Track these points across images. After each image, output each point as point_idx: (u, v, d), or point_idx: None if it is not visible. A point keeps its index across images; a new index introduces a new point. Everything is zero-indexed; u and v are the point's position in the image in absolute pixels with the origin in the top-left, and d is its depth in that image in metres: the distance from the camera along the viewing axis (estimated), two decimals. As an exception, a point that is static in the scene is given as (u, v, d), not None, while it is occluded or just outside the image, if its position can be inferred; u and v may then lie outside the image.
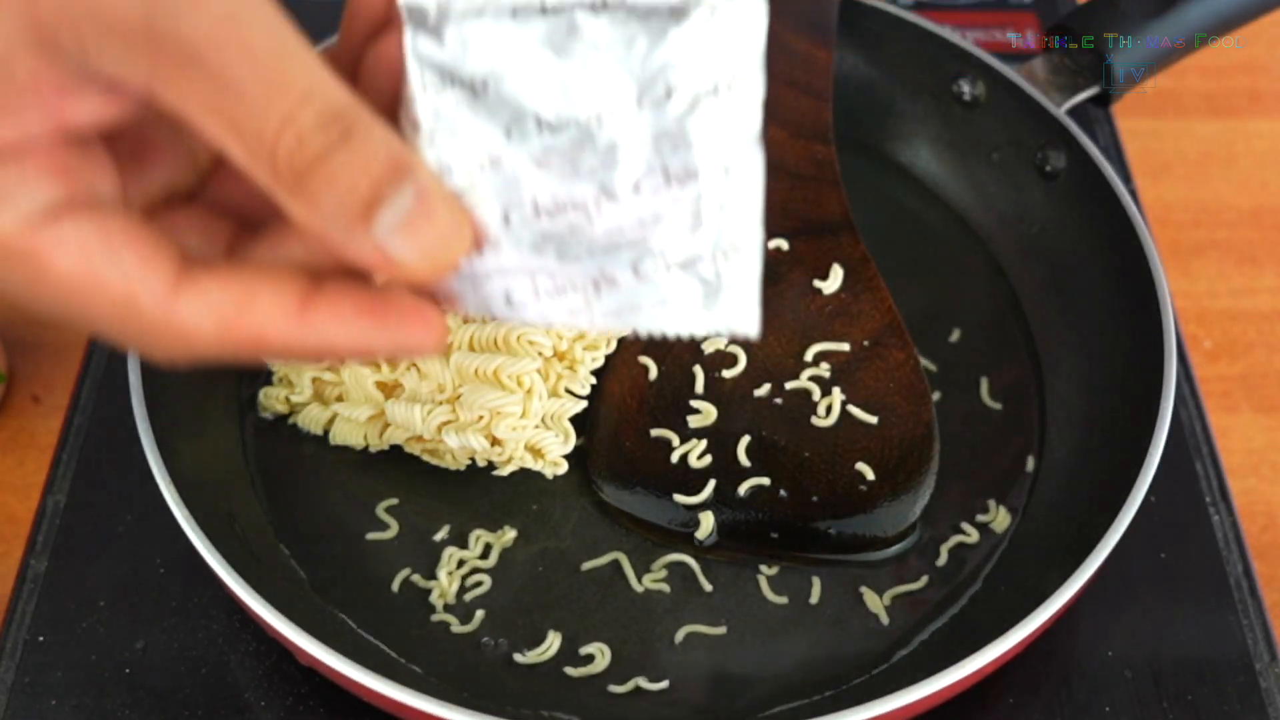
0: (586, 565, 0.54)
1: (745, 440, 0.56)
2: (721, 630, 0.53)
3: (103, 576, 0.55)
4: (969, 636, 0.48)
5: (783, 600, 0.53)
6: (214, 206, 0.35)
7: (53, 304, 0.31)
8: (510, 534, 0.55)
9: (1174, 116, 0.78)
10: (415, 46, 0.31)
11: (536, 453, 0.56)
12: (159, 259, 0.31)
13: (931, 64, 0.67)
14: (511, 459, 0.55)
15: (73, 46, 0.29)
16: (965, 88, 0.66)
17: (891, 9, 0.68)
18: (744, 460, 0.56)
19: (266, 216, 0.34)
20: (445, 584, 0.53)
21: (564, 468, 0.56)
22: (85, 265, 0.31)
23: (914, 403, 0.57)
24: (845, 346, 0.59)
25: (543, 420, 0.56)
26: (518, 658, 0.52)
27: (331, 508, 0.56)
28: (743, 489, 0.55)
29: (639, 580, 0.54)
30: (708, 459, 0.56)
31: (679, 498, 0.55)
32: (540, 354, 0.54)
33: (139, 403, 0.51)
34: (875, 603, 0.53)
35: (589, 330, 0.32)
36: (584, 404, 0.57)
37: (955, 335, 0.62)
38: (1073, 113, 0.63)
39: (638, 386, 0.58)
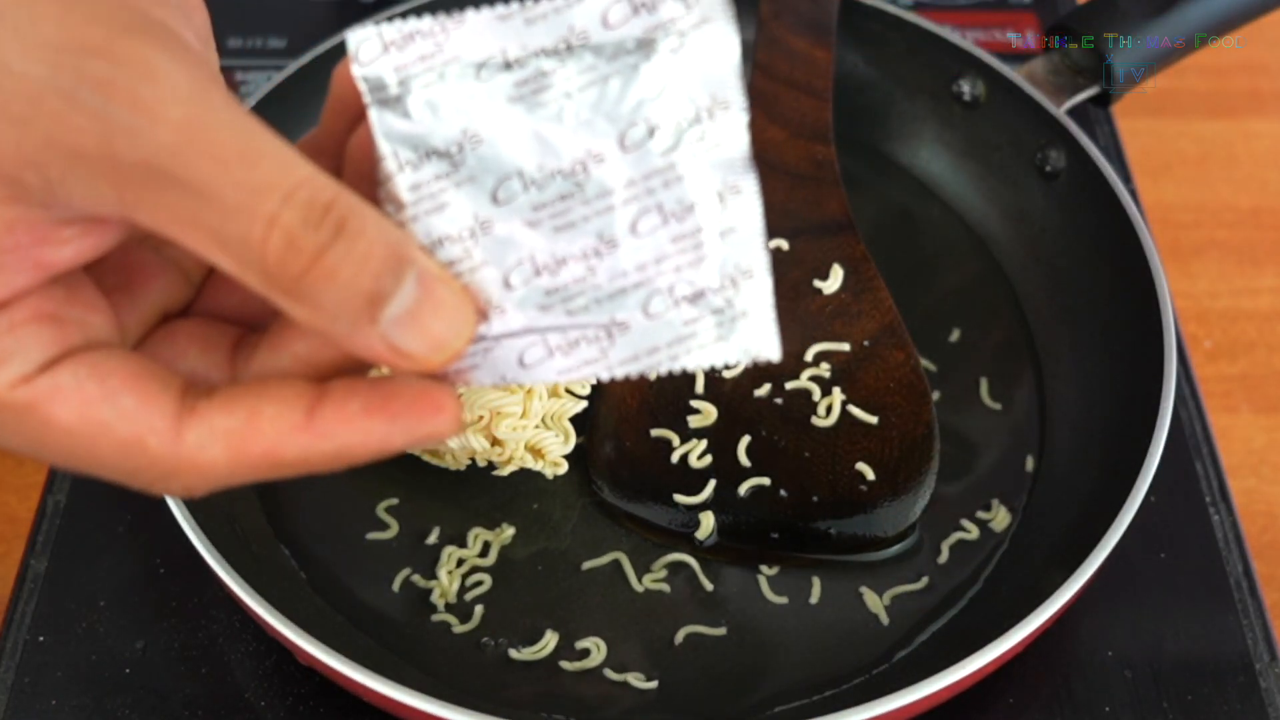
0: (586, 565, 0.54)
1: (745, 440, 0.56)
2: (721, 630, 0.53)
3: (103, 576, 0.55)
4: (969, 636, 0.48)
5: (783, 600, 0.53)
6: (212, 314, 0.34)
7: (58, 455, 0.31)
8: (510, 533, 0.55)
9: (1174, 116, 0.78)
10: (383, 122, 0.30)
11: (537, 453, 0.56)
12: (160, 395, 0.30)
13: (931, 64, 0.67)
14: (512, 459, 0.55)
15: (38, 186, 0.28)
16: (965, 88, 0.66)
17: (891, 9, 0.68)
18: (744, 460, 0.56)
19: (267, 317, 0.33)
20: (445, 584, 0.53)
21: (564, 468, 0.56)
22: (85, 414, 0.30)
23: (914, 403, 0.57)
24: (845, 346, 0.59)
25: (543, 420, 0.56)
26: (515, 654, 0.52)
27: (331, 508, 0.56)
28: (743, 489, 0.55)
29: (639, 580, 0.54)
30: (708, 459, 0.56)
31: (679, 498, 0.55)
32: None
33: (139, 403, 0.51)
34: (875, 603, 0.53)
35: (608, 379, 0.32)
36: (584, 404, 0.57)
37: (955, 335, 0.62)
38: (1073, 113, 0.63)
39: (638, 386, 0.58)
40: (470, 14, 0.30)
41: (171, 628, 0.53)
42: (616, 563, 0.54)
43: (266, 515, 0.55)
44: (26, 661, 0.52)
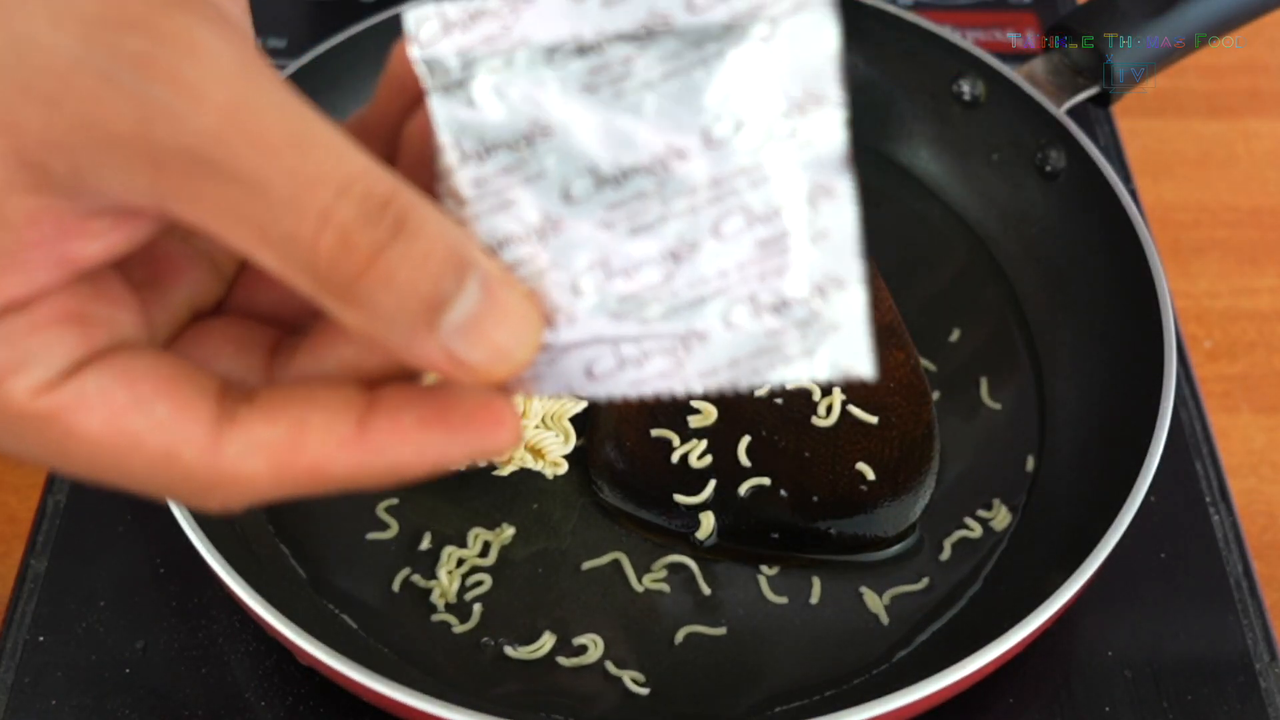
0: (586, 565, 0.54)
1: (745, 440, 0.56)
2: (721, 630, 0.53)
3: (103, 576, 0.55)
4: (969, 636, 0.48)
5: (783, 600, 0.53)
6: (246, 313, 0.31)
7: (84, 467, 0.28)
8: (510, 533, 0.55)
9: (1174, 116, 0.78)
10: (444, 110, 0.28)
11: (537, 453, 0.56)
12: (196, 402, 0.28)
13: (931, 64, 0.67)
14: (512, 459, 0.55)
15: (66, 173, 0.25)
16: (965, 88, 0.66)
17: (891, 9, 0.68)
18: (744, 460, 0.56)
19: (305, 316, 0.31)
20: (445, 583, 0.53)
21: (564, 468, 0.56)
22: (114, 423, 0.27)
23: (914, 402, 0.57)
24: None
25: (543, 420, 0.56)
26: (514, 654, 0.52)
27: (331, 508, 0.56)
28: (743, 489, 0.55)
29: (639, 580, 0.54)
30: (708, 459, 0.56)
31: (679, 498, 0.55)
32: None
33: (139, 403, 0.51)
34: (875, 603, 0.53)
35: (683, 394, 0.29)
36: (584, 404, 0.57)
37: (955, 335, 0.62)
38: (1073, 113, 0.63)
39: None
40: None
41: (171, 628, 0.53)
42: (616, 563, 0.54)
43: (267, 515, 0.55)
44: (26, 661, 0.52)
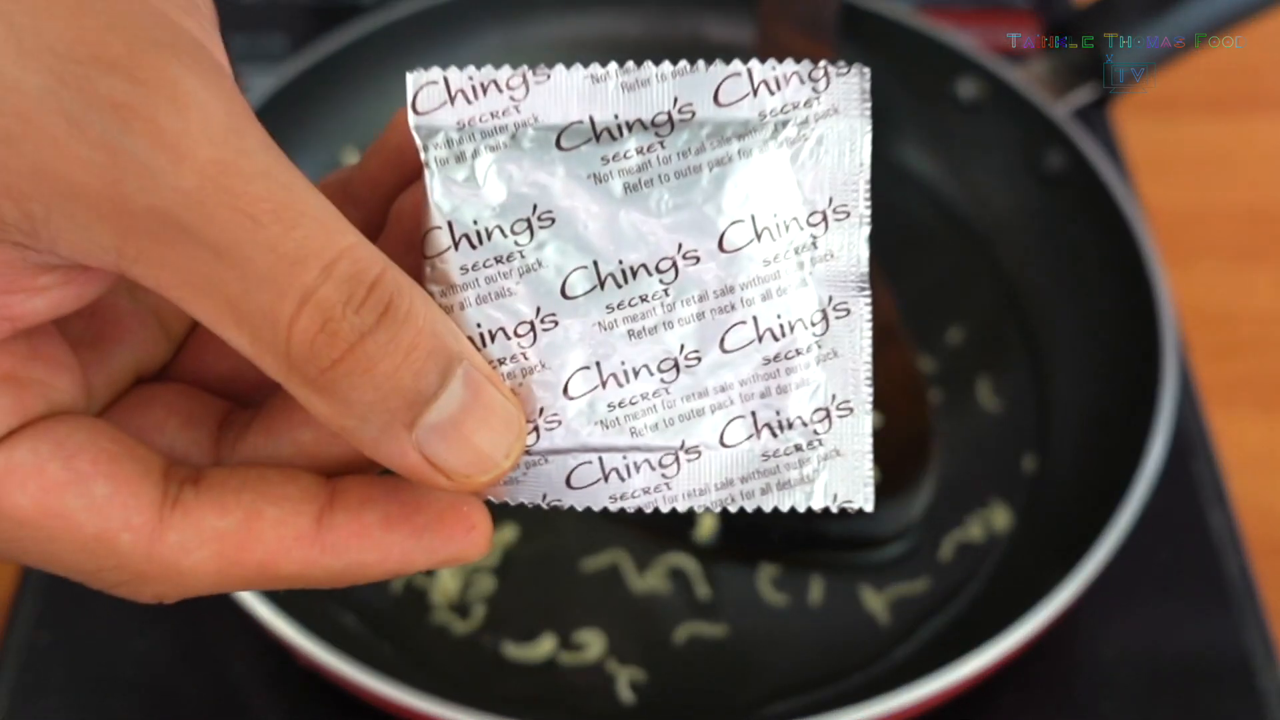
0: (587, 565, 0.54)
1: None
2: (721, 630, 0.53)
3: (103, 576, 0.55)
4: (969, 636, 0.48)
5: (783, 600, 0.53)
6: (194, 380, 0.29)
7: (8, 547, 0.25)
8: (511, 532, 0.55)
9: (1174, 116, 0.78)
10: (440, 186, 0.26)
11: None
12: (138, 482, 0.25)
13: (931, 65, 0.67)
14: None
15: (17, 224, 0.22)
16: (965, 89, 0.66)
17: (891, 10, 0.68)
18: None
19: (259, 390, 0.28)
20: (446, 583, 0.53)
21: None
22: (46, 501, 0.24)
23: (914, 403, 0.57)
24: None
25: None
26: (515, 654, 0.52)
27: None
28: None
29: (639, 580, 0.54)
30: None
31: None
32: None
33: (139, 403, 0.51)
34: (875, 602, 0.53)
35: (666, 511, 0.27)
36: None
37: (955, 335, 0.62)
38: (1073, 113, 0.63)
39: None
40: (558, 71, 0.26)
41: (171, 628, 0.53)
42: (616, 563, 0.54)
43: (267, 515, 0.55)
44: (27, 661, 0.52)
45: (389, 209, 0.28)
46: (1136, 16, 0.63)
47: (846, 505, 0.27)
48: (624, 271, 0.26)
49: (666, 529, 0.55)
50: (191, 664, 0.52)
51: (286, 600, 0.48)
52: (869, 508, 0.27)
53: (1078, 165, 0.62)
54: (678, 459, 0.27)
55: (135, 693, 0.52)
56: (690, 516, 0.55)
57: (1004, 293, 0.64)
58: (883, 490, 0.55)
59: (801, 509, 0.27)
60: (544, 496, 0.27)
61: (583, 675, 0.51)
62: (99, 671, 0.52)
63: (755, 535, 0.55)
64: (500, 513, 0.56)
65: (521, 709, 0.50)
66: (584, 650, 0.52)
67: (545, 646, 0.52)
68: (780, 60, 0.26)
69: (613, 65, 0.26)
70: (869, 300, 0.26)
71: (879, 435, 0.56)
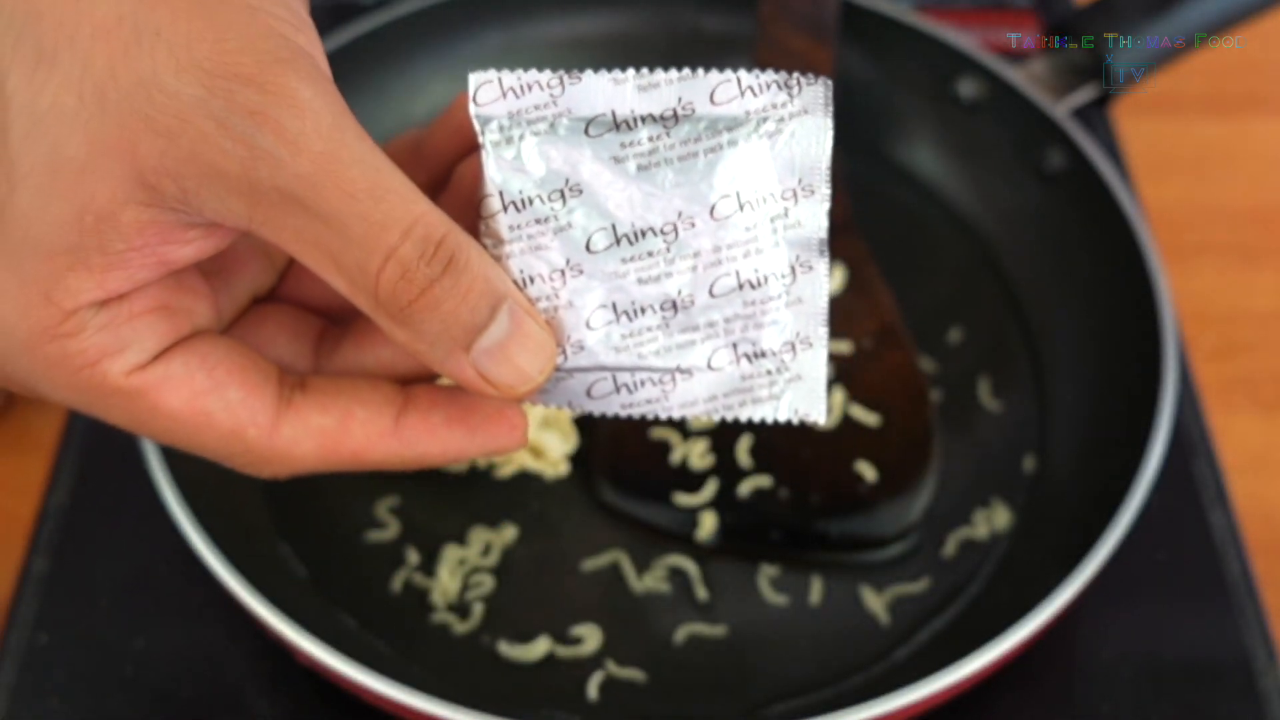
0: (587, 565, 0.54)
1: (746, 440, 0.56)
2: (721, 630, 0.53)
3: (103, 576, 0.55)
4: (969, 636, 0.48)
5: (783, 600, 0.53)
6: (295, 301, 0.37)
7: (162, 435, 0.33)
8: (511, 532, 0.55)
9: (1174, 116, 0.78)
10: (493, 162, 0.32)
11: (537, 453, 0.56)
12: (262, 389, 0.33)
13: (931, 65, 0.67)
14: (512, 459, 0.55)
15: (174, 195, 0.30)
16: (965, 88, 0.66)
17: (891, 10, 0.68)
18: (745, 460, 0.56)
19: (347, 310, 0.35)
20: (446, 583, 0.53)
21: (565, 468, 0.56)
22: (193, 403, 0.32)
23: (914, 403, 0.57)
24: (846, 346, 0.59)
25: (544, 420, 0.56)
26: (514, 653, 0.52)
27: (331, 508, 0.56)
28: (743, 489, 0.55)
29: (639, 580, 0.54)
30: (709, 459, 0.56)
31: (680, 498, 0.55)
32: None
33: (139, 403, 0.51)
34: (875, 603, 0.53)
35: (664, 419, 0.35)
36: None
37: (955, 335, 0.62)
38: (1073, 113, 0.63)
39: None
40: (588, 74, 0.32)
41: (171, 628, 0.53)
42: (616, 563, 0.54)
43: (267, 515, 0.55)
44: (27, 661, 0.52)
45: (450, 170, 0.36)
46: (1136, 16, 0.63)
47: (804, 419, 0.34)
48: (636, 232, 0.32)
49: (666, 529, 0.55)
50: (191, 664, 0.52)
51: (286, 600, 0.48)
52: (823, 421, 0.34)
53: (1078, 165, 0.62)
54: (674, 378, 0.34)
55: (135, 693, 0.52)
56: (690, 518, 0.55)
57: (1004, 293, 0.64)
58: (883, 491, 0.55)
59: (770, 420, 0.34)
60: (569, 403, 0.34)
61: (582, 676, 0.51)
62: (99, 671, 0.52)
63: (755, 535, 0.55)
64: (501, 513, 0.56)
65: (521, 709, 0.50)
66: (583, 650, 0.52)
67: (545, 647, 0.52)
68: (779, 62, 0.33)
69: (630, 70, 0.32)
70: (828, 259, 0.33)
71: (880, 436, 0.56)
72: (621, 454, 0.56)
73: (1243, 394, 0.64)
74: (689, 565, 0.54)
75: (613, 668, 0.52)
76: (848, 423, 0.57)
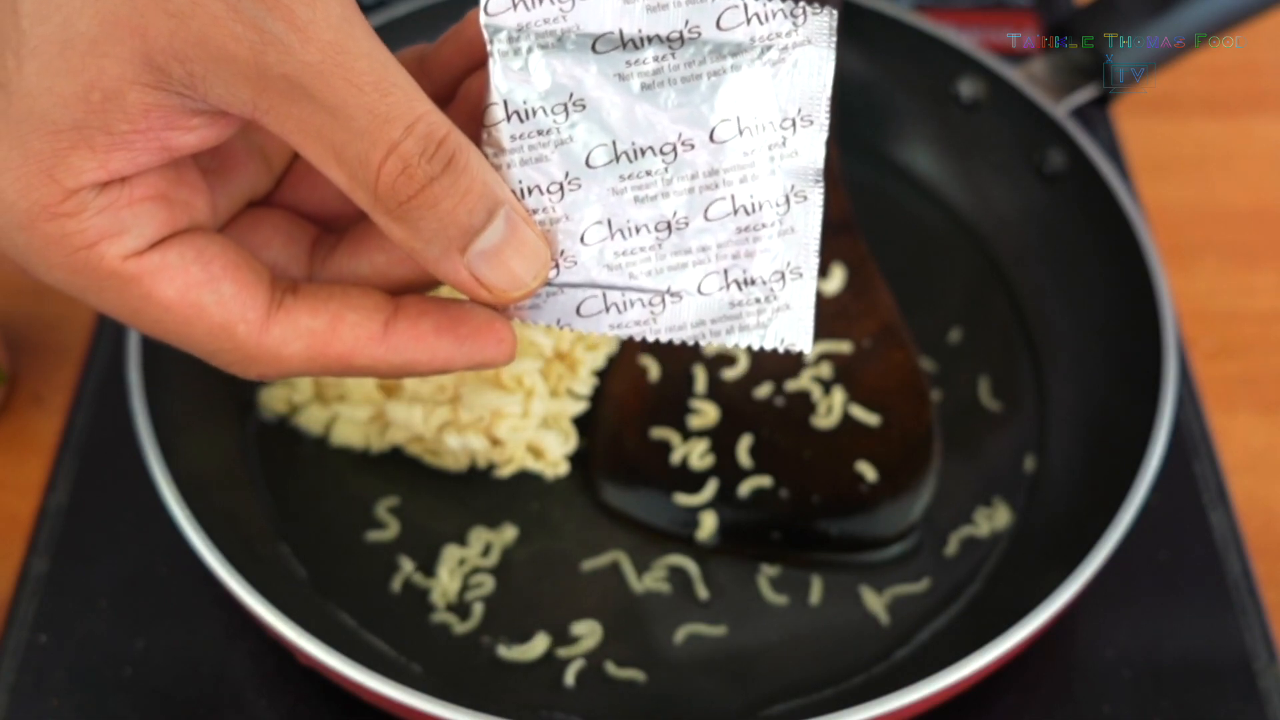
0: (587, 565, 0.54)
1: (747, 440, 0.56)
2: (721, 630, 0.53)
3: (103, 576, 0.55)
4: (969, 636, 0.48)
5: (783, 600, 0.53)
6: (291, 207, 0.37)
7: (153, 326, 0.33)
8: (511, 532, 0.55)
9: (1174, 116, 0.77)
10: (500, 72, 0.32)
11: (537, 453, 0.56)
12: (254, 285, 0.33)
13: (931, 65, 0.67)
14: (512, 459, 0.55)
15: (181, 78, 0.30)
16: (965, 88, 0.66)
17: (891, 10, 0.68)
18: (745, 461, 0.56)
19: (343, 218, 0.36)
20: (446, 583, 0.53)
21: (565, 468, 0.56)
22: (187, 294, 0.32)
23: (914, 403, 0.57)
24: (846, 347, 0.59)
25: (544, 421, 0.56)
26: (515, 655, 0.52)
27: (331, 508, 0.56)
28: (744, 489, 0.55)
29: (639, 580, 0.54)
30: (709, 459, 0.56)
31: (680, 498, 0.55)
32: (541, 354, 0.54)
33: (139, 403, 0.51)
34: (875, 603, 0.53)
35: (651, 340, 0.35)
36: (586, 404, 0.57)
37: (955, 335, 0.62)
38: (1073, 113, 0.63)
39: (639, 387, 0.58)
40: None
41: (171, 628, 0.53)
42: (616, 563, 0.54)
43: (267, 514, 0.55)
44: (26, 661, 0.52)
45: (455, 85, 0.36)
46: (1136, 16, 0.63)
47: (790, 348, 0.34)
48: (635, 150, 0.33)
49: (666, 530, 0.55)
50: (191, 664, 0.52)
51: (286, 600, 0.48)
52: (808, 350, 0.35)
53: (1078, 165, 0.62)
54: (664, 300, 0.34)
55: (135, 693, 0.52)
56: (691, 518, 0.55)
57: (1004, 293, 0.64)
58: (883, 491, 0.55)
59: (755, 347, 0.34)
60: (559, 321, 0.34)
61: (582, 676, 0.51)
62: (99, 671, 0.52)
63: (755, 536, 0.55)
64: (501, 513, 0.56)
65: (521, 709, 0.50)
66: (584, 650, 0.52)
67: (545, 647, 0.52)
68: None
69: None
70: (823, 190, 0.33)
71: (880, 436, 0.56)
72: (622, 455, 0.56)
73: (1243, 394, 0.64)
74: (689, 565, 0.54)
75: (612, 668, 0.52)
76: (849, 423, 0.57)
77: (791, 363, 0.59)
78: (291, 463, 0.57)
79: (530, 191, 0.33)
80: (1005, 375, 0.61)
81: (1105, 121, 0.74)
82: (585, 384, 0.57)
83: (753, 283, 0.34)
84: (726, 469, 0.56)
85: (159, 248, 0.32)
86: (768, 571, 0.54)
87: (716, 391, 0.58)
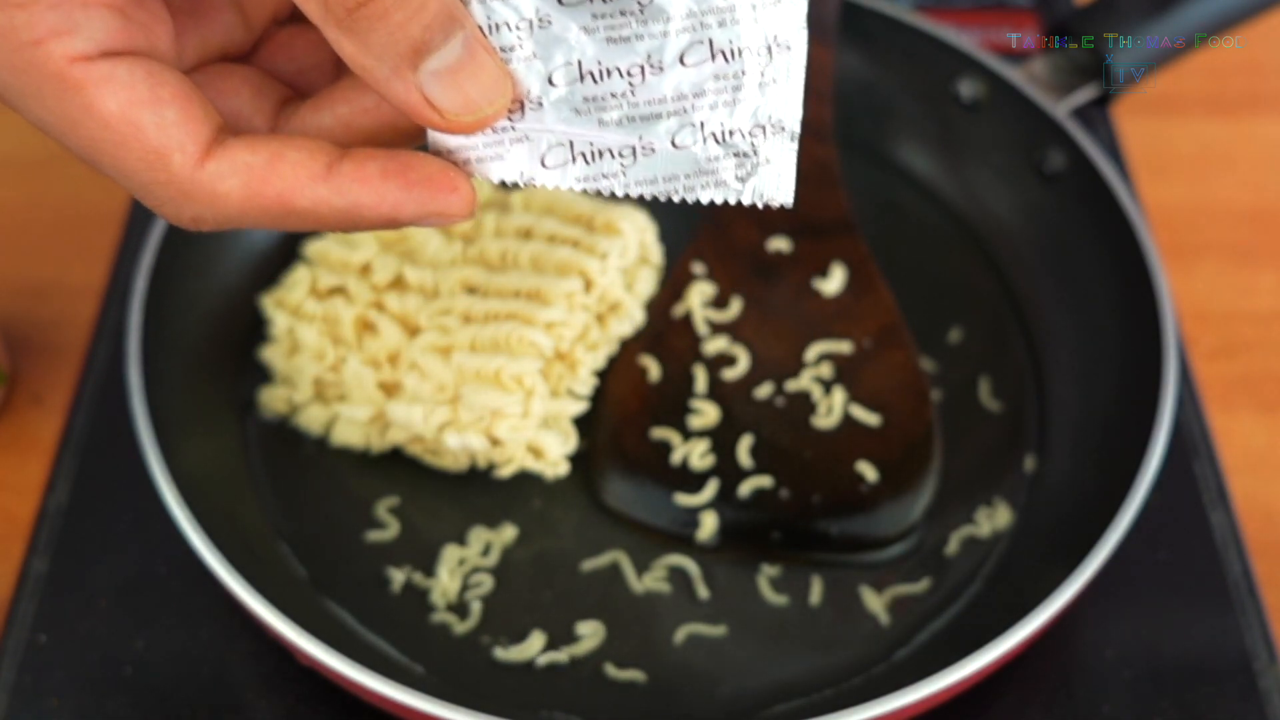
0: (587, 565, 0.54)
1: (747, 440, 0.56)
2: (721, 630, 0.53)
3: (103, 576, 0.55)
4: (969, 636, 0.48)
5: (783, 600, 0.53)
6: (268, 70, 0.36)
7: (86, 145, 0.31)
8: (511, 532, 0.55)
9: (1174, 116, 0.78)
10: None
11: (537, 453, 0.56)
12: (200, 120, 0.32)
13: (931, 65, 0.67)
14: (512, 459, 0.55)
15: None
16: (965, 89, 0.66)
17: (891, 10, 0.68)
18: (745, 461, 0.56)
19: (317, 84, 0.35)
20: (446, 583, 0.53)
21: (565, 468, 0.56)
22: (128, 110, 0.31)
23: (915, 402, 0.57)
24: (847, 347, 0.59)
25: (544, 421, 0.56)
26: (513, 655, 0.52)
27: (331, 508, 0.56)
28: (744, 489, 0.55)
29: (639, 580, 0.54)
30: (710, 459, 0.56)
31: (680, 498, 0.55)
32: (541, 354, 0.54)
33: (139, 403, 0.51)
34: (875, 603, 0.53)
35: (620, 195, 0.33)
36: (585, 404, 0.57)
37: (955, 335, 0.62)
38: (1073, 113, 0.63)
39: (639, 387, 0.58)
40: None
41: (171, 628, 0.53)
42: (616, 563, 0.54)
43: (266, 515, 0.55)
44: (26, 661, 0.52)
45: None
46: (1136, 16, 0.63)
47: (769, 202, 0.33)
48: None
49: (667, 530, 0.55)
50: (191, 664, 0.52)
51: (286, 600, 0.48)
52: (789, 203, 0.33)
53: (1078, 165, 0.62)
54: (635, 152, 0.32)
55: (135, 693, 0.52)
56: (691, 519, 0.55)
57: (1004, 293, 0.64)
58: (884, 491, 0.55)
59: (732, 202, 0.33)
60: (521, 174, 0.33)
61: (582, 676, 0.51)
62: (99, 671, 0.52)
63: (756, 536, 0.55)
64: (501, 513, 0.56)
65: (521, 709, 0.50)
66: (583, 651, 0.52)
67: (544, 647, 0.52)
68: None
69: None
70: (806, 39, 0.31)
71: (881, 436, 0.56)
72: (622, 455, 0.56)
73: (1243, 394, 0.64)
74: (689, 565, 0.54)
75: (612, 669, 0.52)
76: (849, 423, 0.57)
77: (792, 363, 0.59)
78: (291, 463, 0.57)
79: (498, 28, 0.31)
80: (1005, 375, 0.61)
81: (1105, 121, 0.74)
82: (585, 384, 0.57)
83: (731, 136, 0.32)
84: (727, 469, 0.56)
85: (109, 58, 0.31)
86: (768, 571, 0.54)
87: (717, 392, 0.58)
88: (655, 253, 0.60)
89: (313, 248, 0.58)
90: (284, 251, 0.62)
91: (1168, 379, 0.53)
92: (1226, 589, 0.56)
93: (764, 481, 0.55)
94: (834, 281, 0.61)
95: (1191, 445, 0.60)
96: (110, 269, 0.66)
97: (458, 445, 0.54)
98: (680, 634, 0.52)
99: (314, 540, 0.55)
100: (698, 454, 0.56)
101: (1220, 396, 0.64)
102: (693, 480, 0.56)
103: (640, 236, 0.58)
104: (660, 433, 0.57)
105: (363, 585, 0.54)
